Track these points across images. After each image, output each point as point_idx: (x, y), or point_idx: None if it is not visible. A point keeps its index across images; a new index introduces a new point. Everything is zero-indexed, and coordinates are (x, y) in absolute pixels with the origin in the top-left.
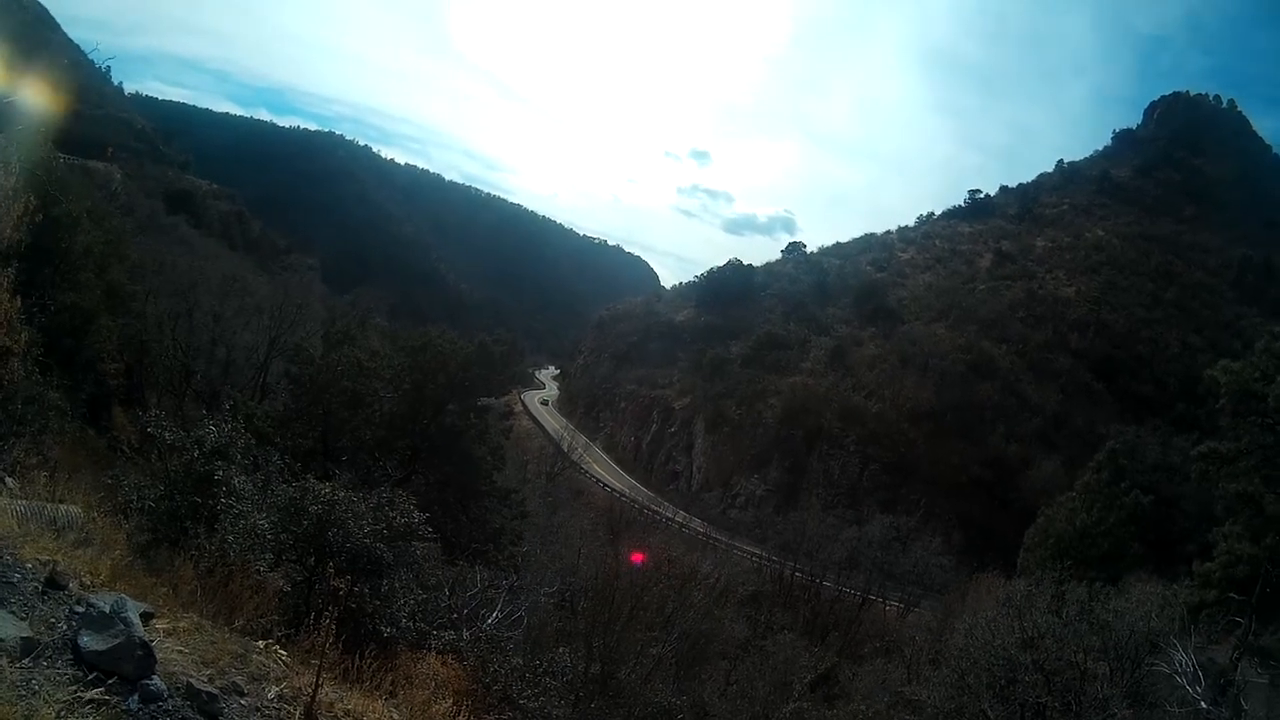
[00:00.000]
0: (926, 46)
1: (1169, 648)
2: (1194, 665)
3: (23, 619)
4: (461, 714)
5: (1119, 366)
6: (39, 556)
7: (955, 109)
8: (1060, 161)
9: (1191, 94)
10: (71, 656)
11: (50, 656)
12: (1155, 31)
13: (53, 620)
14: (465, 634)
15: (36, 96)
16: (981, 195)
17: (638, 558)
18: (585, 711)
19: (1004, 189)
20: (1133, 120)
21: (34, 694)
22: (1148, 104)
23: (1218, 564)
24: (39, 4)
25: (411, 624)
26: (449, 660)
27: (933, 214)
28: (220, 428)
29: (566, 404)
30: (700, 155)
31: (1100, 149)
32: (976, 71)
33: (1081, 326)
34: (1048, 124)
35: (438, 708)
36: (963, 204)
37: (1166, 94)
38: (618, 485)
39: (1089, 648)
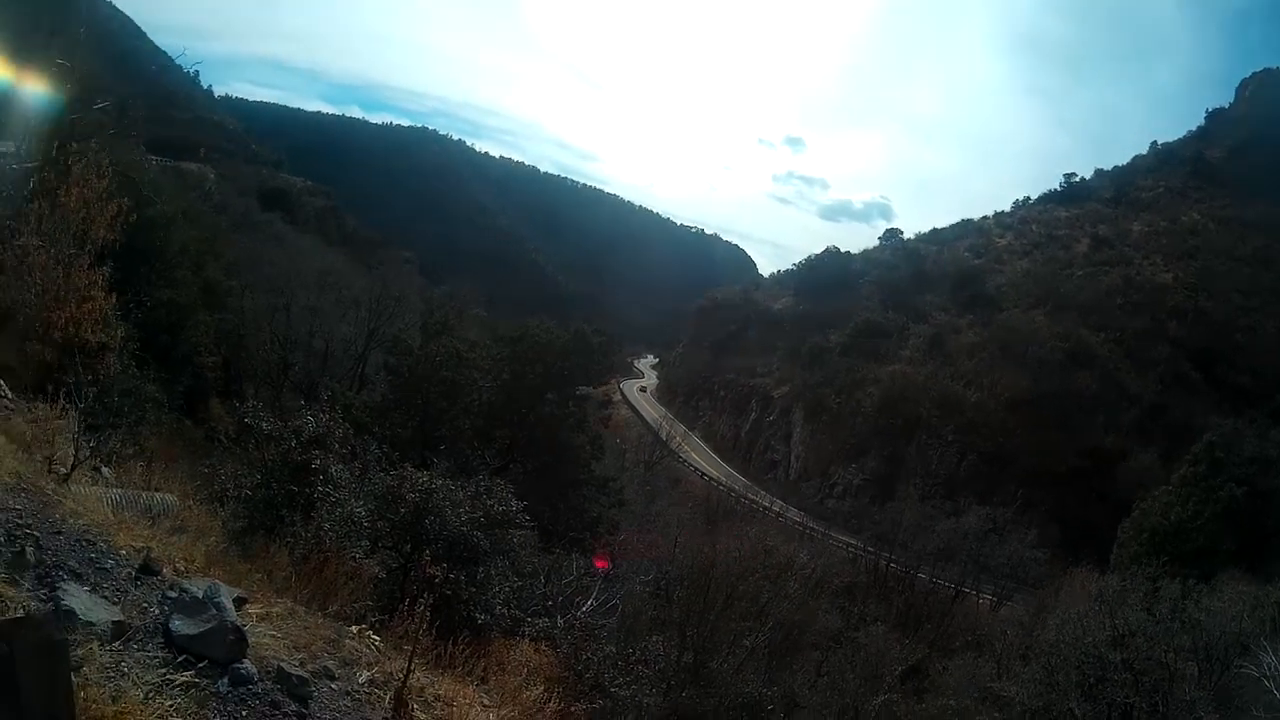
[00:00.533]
0: (1012, 28)
1: (1258, 650)
2: None
3: (115, 603)
4: (552, 700)
5: (1216, 356)
6: (133, 543)
7: (1044, 91)
8: (1154, 143)
9: None
10: (162, 640)
11: (141, 640)
12: (1241, 5)
13: (145, 605)
14: (559, 621)
15: (122, 102)
16: (1076, 178)
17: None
18: (676, 700)
19: (1099, 172)
20: (1225, 98)
21: (123, 675)
22: (1239, 81)
23: None
24: (122, 13)
25: (506, 611)
26: (542, 647)
27: (1028, 198)
28: (318, 418)
29: (665, 393)
30: (794, 142)
31: (1194, 129)
32: (1064, 52)
33: (1180, 314)
34: (1138, 104)
35: (528, 694)
36: (1058, 188)
37: (1257, 70)
38: (715, 474)
39: (1179, 647)
